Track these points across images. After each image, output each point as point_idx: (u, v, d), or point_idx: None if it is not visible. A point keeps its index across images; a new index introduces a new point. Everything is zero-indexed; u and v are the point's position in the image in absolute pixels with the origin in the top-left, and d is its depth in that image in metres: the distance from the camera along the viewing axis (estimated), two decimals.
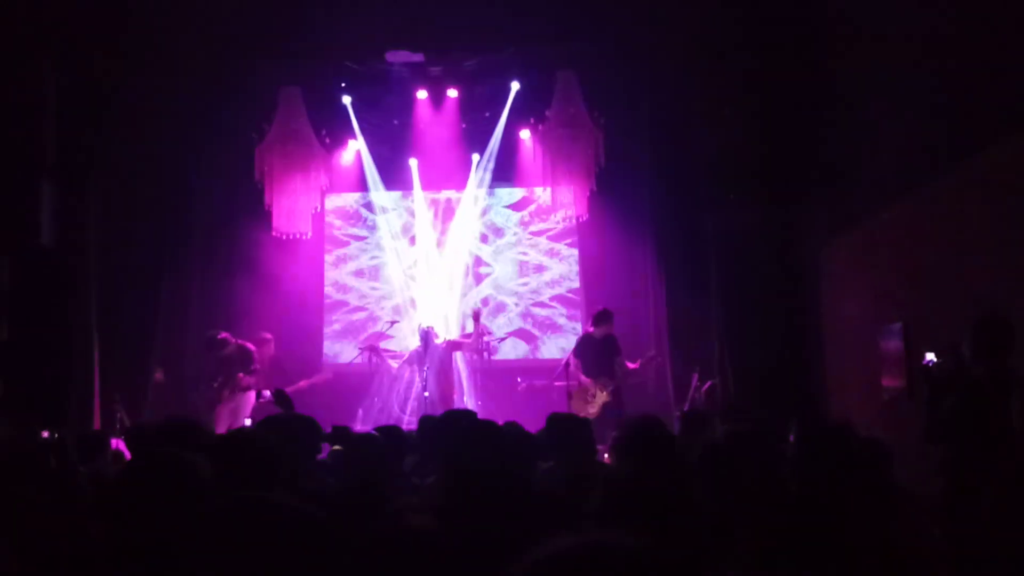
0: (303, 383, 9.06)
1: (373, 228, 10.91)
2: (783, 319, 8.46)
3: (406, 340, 9.68)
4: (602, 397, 8.32)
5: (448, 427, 2.58)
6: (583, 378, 8.44)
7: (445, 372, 8.78)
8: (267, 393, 7.71)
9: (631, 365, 8.55)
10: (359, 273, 10.94)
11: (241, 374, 8.48)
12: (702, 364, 8.65)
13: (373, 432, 4.26)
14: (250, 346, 8.77)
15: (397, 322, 10.09)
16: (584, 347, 8.59)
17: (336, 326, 10.82)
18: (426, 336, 8.72)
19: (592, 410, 8.18)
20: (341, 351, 10.62)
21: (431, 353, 8.66)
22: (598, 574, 0.80)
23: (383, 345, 9.79)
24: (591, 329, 8.64)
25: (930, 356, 4.31)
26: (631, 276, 10.22)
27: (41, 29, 7.64)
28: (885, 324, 6.79)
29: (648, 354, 8.84)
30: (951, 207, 5.86)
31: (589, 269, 10.59)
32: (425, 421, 4.93)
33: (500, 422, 3.87)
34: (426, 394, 8.53)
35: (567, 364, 8.81)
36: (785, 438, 2.86)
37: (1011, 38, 5.06)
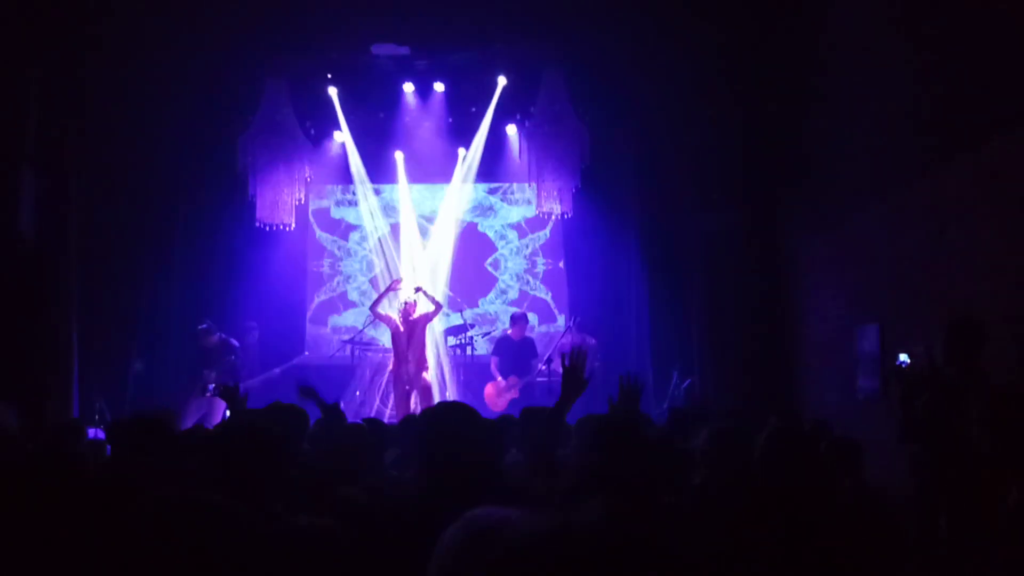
0: (276, 370, 9.13)
1: (357, 220, 10.92)
2: (762, 319, 8.55)
3: (388, 334, 9.70)
4: (510, 393, 9.25)
5: (432, 420, 2.61)
6: (498, 375, 9.39)
7: (423, 357, 8.84)
8: (212, 387, 7.70)
9: (543, 366, 9.38)
10: (342, 264, 10.95)
11: (207, 370, 8.43)
12: (682, 362, 8.74)
13: (360, 423, 4.30)
14: (233, 342, 8.74)
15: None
16: (502, 346, 9.57)
17: (319, 317, 10.81)
18: (407, 324, 8.69)
19: (502, 403, 9.09)
20: (323, 341, 10.64)
21: (413, 345, 8.64)
22: (565, 555, 0.83)
23: (364, 339, 9.82)
24: (510, 331, 9.60)
25: (903, 357, 4.38)
26: (614, 273, 10.29)
27: (24, 19, 7.56)
28: (861, 325, 6.88)
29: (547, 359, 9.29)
30: (927, 210, 5.94)
31: (573, 265, 10.66)
32: (409, 419, 4.98)
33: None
34: (407, 387, 8.55)
35: (549, 360, 9.01)
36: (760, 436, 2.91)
37: (989, 45, 5.14)
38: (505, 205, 11.08)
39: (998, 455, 2.93)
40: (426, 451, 2.44)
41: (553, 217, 10.27)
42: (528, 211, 10.85)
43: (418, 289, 8.95)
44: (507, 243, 10.99)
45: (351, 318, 10.77)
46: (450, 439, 2.42)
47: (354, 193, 10.83)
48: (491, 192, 11.06)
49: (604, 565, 0.82)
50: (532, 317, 10.63)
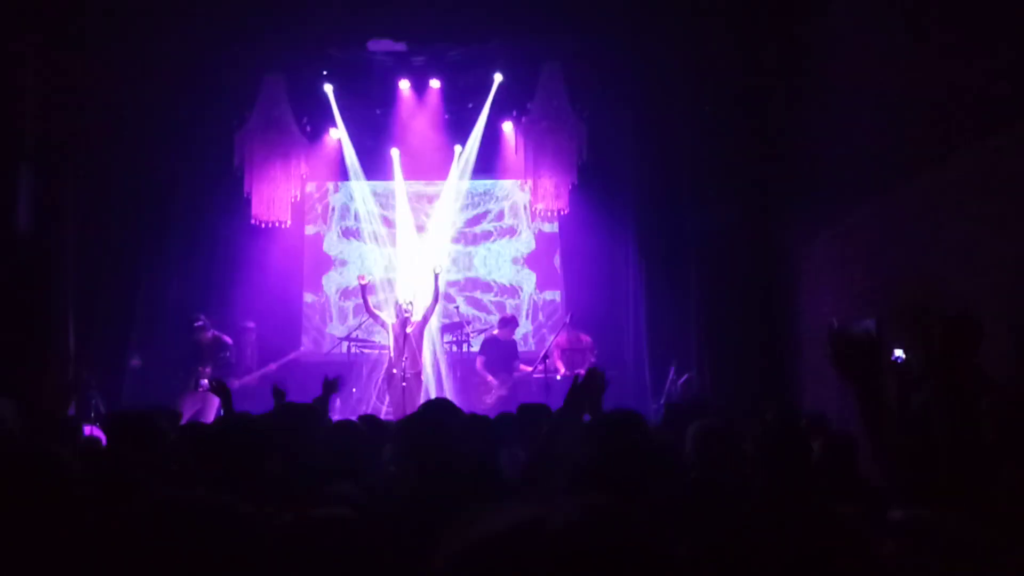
0: (271, 365, 9.13)
1: (353, 216, 10.90)
2: (760, 314, 8.55)
3: (383, 331, 9.70)
4: (499, 391, 9.27)
5: (417, 419, 2.61)
6: (486, 373, 9.40)
7: (419, 355, 8.88)
8: (204, 382, 7.68)
9: (525, 368, 9.42)
10: (338, 262, 10.93)
11: (201, 367, 8.41)
12: (679, 357, 8.75)
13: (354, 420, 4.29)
14: (227, 339, 8.72)
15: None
16: (489, 346, 9.59)
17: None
18: (404, 324, 8.72)
19: (489, 401, 9.11)
20: (319, 339, 10.62)
21: (409, 343, 8.67)
22: (528, 552, 0.82)
23: (360, 335, 9.81)
24: (496, 332, 9.65)
25: (898, 352, 4.39)
26: (612, 269, 10.29)
27: (20, 16, 7.54)
28: (858, 321, 6.89)
29: (538, 364, 9.26)
30: (924, 208, 5.95)
31: (570, 262, 10.65)
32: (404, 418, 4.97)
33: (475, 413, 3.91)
34: (403, 384, 8.55)
35: (545, 356, 9.04)
36: (753, 433, 2.91)
37: (983, 44, 5.14)
38: (501, 201, 10.98)
39: (999, 450, 2.93)
40: (413, 449, 2.43)
41: (550, 214, 10.21)
42: (525, 207, 10.79)
43: (436, 275, 8.93)
44: (501, 239, 10.95)
45: (350, 275, 10.55)
46: (436, 436, 2.41)
47: (350, 190, 10.75)
48: (488, 188, 10.97)
49: (575, 562, 0.81)
50: (530, 278, 10.63)
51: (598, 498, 0.87)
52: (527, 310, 10.70)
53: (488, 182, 10.90)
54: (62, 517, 1.81)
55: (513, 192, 10.83)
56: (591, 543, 0.82)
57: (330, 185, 10.97)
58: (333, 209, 11.00)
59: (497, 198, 10.94)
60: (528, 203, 10.43)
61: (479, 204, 10.92)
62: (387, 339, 8.97)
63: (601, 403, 3.28)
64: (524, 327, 10.56)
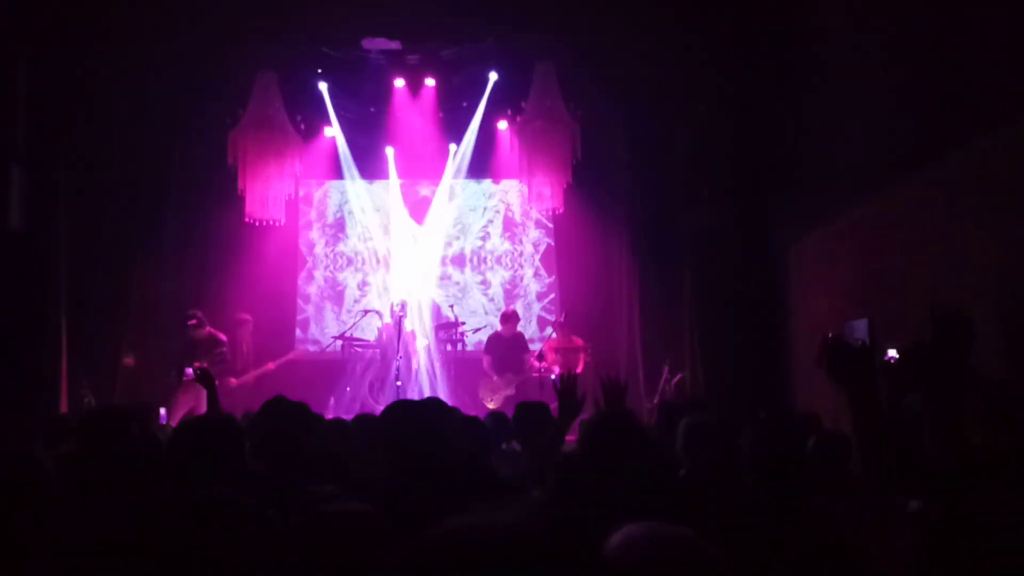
0: (269, 365, 9.10)
1: (347, 215, 10.89)
2: (753, 314, 8.56)
3: (378, 330, 9.70)
4: (506, 391, 9.03)
5: (394, 415, 2.59)
6: (491, 372, 9.20)
7: (412, 359, 8.92)
8: (189, 371, 7.62)
9: (536, 363, 9.18)
10: (333, 260, 10.91)
11: (197, 364, 8.34)
12: (673, 357, 8.75)
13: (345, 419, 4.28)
14: (221, 336, 8.68)
15: (370, 311, 10.11)
16: (494, 344, 9.36)
17: (309, 311, 10.79)
18: (399, 323, 8.77)
19: (496, 402, 8.91)
20: (313, 337, 10.61)
21: (403, 341, 8.70)
22: (474, 558, 0.84)
23: (355, 334, 9.80)
24: (500, 328, 9.43)
25: (892, 352, 4.38)
26: (605, 269, 10.28)
27: (13, 11, 7.51)
28: (851, 320, 6.89)
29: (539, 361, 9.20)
30: (916, 207, 5.96)
31: (564, 262, 10.65)
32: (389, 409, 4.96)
33: (473, 412, 3.91)
34: (398, 383, 8.56)
35: (540, 355, 9.02)
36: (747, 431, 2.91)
37: (976, 42, 5.15)
38: (497, 200, 11.00)
39: (992, 450, 2.93)
40: (391, 450, 2.40)
41: (544, 213, 10.21)
42: (520, 205, 10.81)
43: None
44: (497, 238, 10.97)
45: (345, 274, 10.66)
46: (412, 436, 2.38)
47: (344, 188, 10.74)
48: (483, 187, 10.99)
49: (493, 568, 0.82)
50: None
51: (542, 507, 0.89)
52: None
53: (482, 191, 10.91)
54: (37, 520, 1.80)
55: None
56: (511, 551, 0.83)
57: (324, 183, 10.96)
58: (327, 207, 11.00)
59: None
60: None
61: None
62: (382, 337, 8.99)
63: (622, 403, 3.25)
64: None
